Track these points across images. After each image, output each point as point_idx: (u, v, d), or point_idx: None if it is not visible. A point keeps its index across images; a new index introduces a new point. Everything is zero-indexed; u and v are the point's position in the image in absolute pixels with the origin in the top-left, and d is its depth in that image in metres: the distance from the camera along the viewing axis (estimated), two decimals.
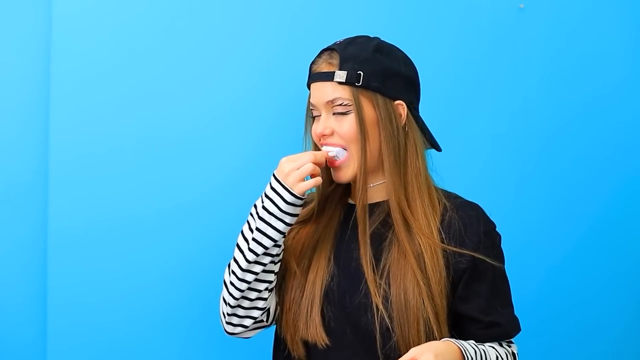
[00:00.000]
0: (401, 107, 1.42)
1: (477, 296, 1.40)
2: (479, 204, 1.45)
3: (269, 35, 1.89)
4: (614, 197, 2.07)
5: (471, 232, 1.40)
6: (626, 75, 2.07)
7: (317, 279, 1.43)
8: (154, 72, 1.84)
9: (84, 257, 1.81)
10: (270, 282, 1.42)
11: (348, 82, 1.39)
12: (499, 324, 1.40)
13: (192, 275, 1.86)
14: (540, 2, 2.02)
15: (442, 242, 1.39)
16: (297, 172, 1.36)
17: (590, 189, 2.05)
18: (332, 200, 1.49)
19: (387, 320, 1.36)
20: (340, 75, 1.39)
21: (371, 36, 1.46)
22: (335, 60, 1.41)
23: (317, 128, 1.42)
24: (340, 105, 1.40)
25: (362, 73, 1.39)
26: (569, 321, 2.06)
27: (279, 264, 1.43)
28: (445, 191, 1.48)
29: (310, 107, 1.45)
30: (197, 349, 1.87)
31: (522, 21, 2.00)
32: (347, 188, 1.50)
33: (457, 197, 1.47)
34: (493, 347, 1.40)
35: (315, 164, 1.38)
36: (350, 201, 1.50)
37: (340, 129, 1.40)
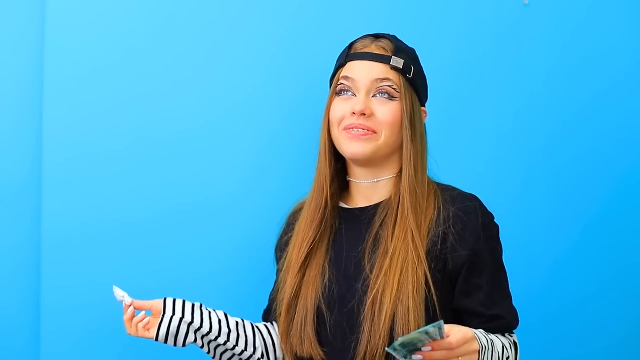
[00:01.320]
0: (424, 114, 1.50)
1: (478, 290, 1.39)
2: (476, 195, 1.45)
3: (267, 34, 1.87)
4: (621, 194, 2.04)
5: (470, 225, 1.39)
6: (633, 72, 2.04)
7: (310, 292, 1.43)
8: (149, 71, 1.82)
9: (78, 259, 1.80)
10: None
11: (402, 70, 1.42)
12: (502, 317, 1.40)
13: (188, 277, 1.84)
14: None
15: (434, 238, 1.38)
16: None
17: (596, 187, 2.03)
18: (327, 206, 1.48)
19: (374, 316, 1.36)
20: (398, 62, 1.42)
21: None
22: (388, 47, 1.44)
23: (356, 105, 1.40)
24: (389, 87, 1.41)
25: (413, 68, 1.43)
26: (574, 318, 2.03)
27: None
28: (441, 185, 1.48)
29: (343, 83, 1.44)
30: (193, 352, 1.84)
31: (526, 17, 1.98)
32: (340, 191, 1.49)
33: (453, 189, 1.46)
34: (498, 338, 1.38)
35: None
36: (343, 204, 1.49)
37: (383, 113, 1.41)
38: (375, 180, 1.45)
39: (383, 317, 1.34)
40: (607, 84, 2.03)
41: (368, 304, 1.36)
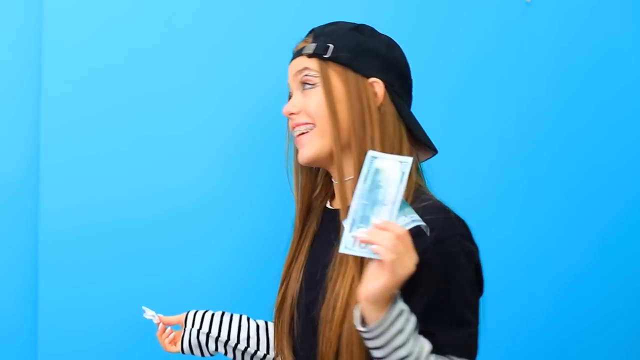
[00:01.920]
0: (377, 85, 1.32)
1: (413, 311, 1.17)
2: (448, 208, 1.26)
3: (266, 33, 1.86)
4: (630, 203, 2.02)
5: (420, 240, 1.17)
6: (638, 70, 2.03)
7: (288, 299, 1.39)
8: (148, 71, 1.81)
9: (76, 259, 1.78)
10: None
11: (315, 54, 1.33)
12: (433, 334, 1.18)
13: (186, 278, 1.83)
14: None
15: None
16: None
17: (604, 195, 2.01)
18: (314, 209, 1.44)
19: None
20: (310, 48, 1.35)
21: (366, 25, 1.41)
22: (310, 38, 1.37)
23: (285, 107, 1.37)
24: (307, 76, 1.34)
25: (331, 46, 1.33)
26: (581, 339, 2.01)
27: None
28: (420, 192, 1.30)
29: (289, 90, 1.41)
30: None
31: (529, 16, 1.97)
32: (327, 193, 1.45)
33: (426, 199, 1.27)
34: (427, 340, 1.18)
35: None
36: (329, 205, 1.43)
37: (307, 105, 1.33)
38: (346, 179, 1.32)
39: (332, 331, 1.24)
40: (610, 82, 2.03)
41: (322, 313, 1.27)
